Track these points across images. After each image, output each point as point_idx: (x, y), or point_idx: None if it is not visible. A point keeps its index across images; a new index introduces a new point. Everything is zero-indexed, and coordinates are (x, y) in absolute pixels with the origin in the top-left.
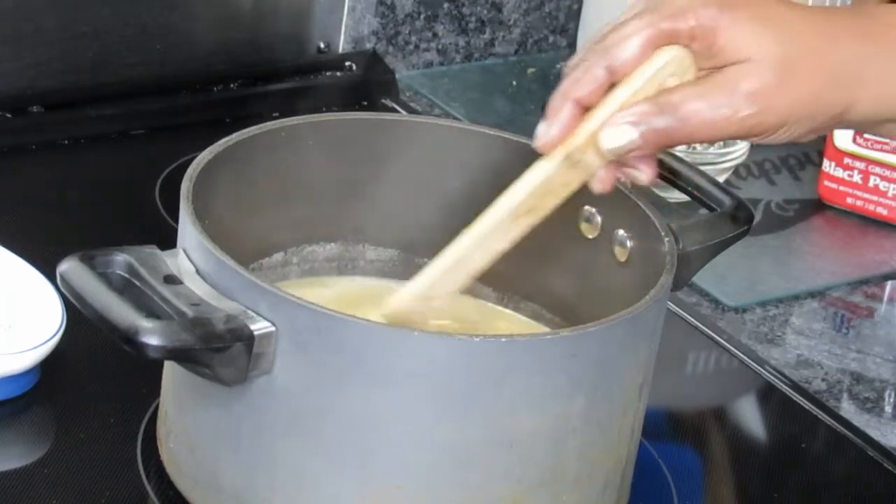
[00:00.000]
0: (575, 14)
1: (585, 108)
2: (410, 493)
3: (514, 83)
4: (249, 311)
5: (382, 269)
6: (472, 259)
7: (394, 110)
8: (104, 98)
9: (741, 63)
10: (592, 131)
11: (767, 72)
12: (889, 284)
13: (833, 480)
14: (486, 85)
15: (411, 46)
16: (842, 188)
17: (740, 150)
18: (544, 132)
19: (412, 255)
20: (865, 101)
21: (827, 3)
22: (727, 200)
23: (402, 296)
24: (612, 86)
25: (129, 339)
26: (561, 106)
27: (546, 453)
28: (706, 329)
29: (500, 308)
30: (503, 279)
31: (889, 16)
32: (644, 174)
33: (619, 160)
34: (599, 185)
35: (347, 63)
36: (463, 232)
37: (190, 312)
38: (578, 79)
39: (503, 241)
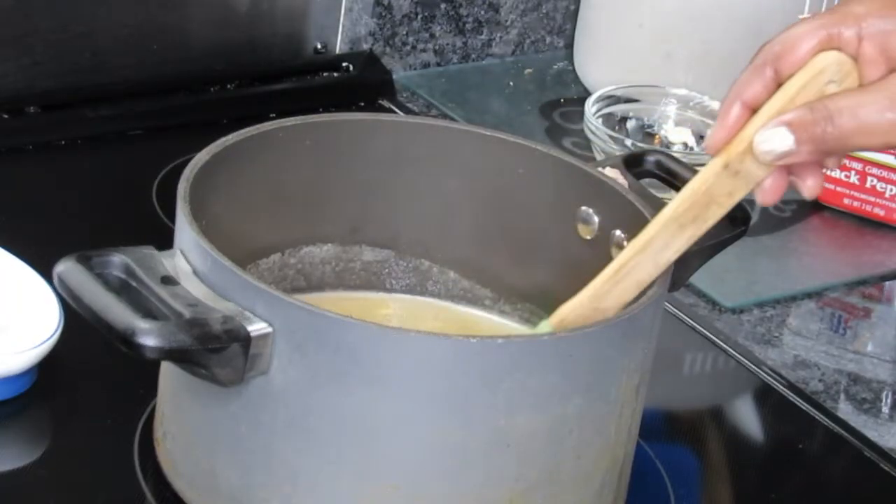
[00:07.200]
0: (572, 15)
1: (753, 111)
2: (407, 493)
3: (511, 84)
4: (246, 312)
5: (379, 270)
6: (639, 269)
7: (391, 111)
8: (101, 99)
9: None
10: (750, 138)
11: None
12: (886, 285)
13: (830, 481)
14: (483, 85)
15: (408, 47)
16: (839, 189)
17: None
18: (711, 134)
19: (410, 256)
20: None
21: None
22: None
23: (571, 306)
24: (778, 88)
25: (126, 339)
26: (730, 108)
27: (543, 454)
28: (703, 330)
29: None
30: (500, 280)
31: None
32: (807, 187)
33: (782, 169)
34: (762, 196)
35: (344, 64)
36: (630, 242)
37: (187, 313)
38: (747, 79)
39: (670, 251)
